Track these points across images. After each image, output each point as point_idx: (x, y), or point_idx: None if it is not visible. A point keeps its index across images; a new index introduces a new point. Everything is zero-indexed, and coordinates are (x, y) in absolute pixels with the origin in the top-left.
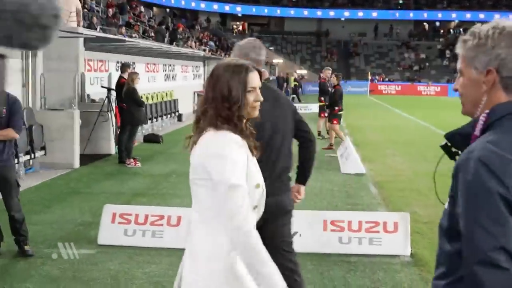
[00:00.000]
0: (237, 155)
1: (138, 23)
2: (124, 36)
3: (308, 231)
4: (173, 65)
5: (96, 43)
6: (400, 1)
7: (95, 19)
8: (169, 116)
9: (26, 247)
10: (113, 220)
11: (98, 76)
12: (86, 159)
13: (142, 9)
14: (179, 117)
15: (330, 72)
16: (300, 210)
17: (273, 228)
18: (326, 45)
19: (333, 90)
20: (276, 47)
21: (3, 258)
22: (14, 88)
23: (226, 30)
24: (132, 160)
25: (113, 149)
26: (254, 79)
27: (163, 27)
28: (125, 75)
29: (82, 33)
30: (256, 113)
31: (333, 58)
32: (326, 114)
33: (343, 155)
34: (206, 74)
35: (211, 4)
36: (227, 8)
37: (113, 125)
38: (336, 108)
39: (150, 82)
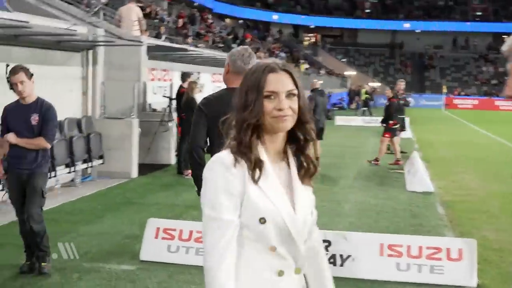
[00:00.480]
0: (221, 180)
1: (209, 34)
2: (190, 46)
3: (363, 255)
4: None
5: (159, 52)
6: (478, 13)
7: (162, 29)
8: None
9: (43, 264)
10: (157, 235)
11: (161, 86)
12: (145, 168)
13: (214, 20)
14: None
15: (404, 84)
16: (355, 231)
17: None
18: (400, 57)
19: (387, 104)
20: (348, 59)
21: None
22: (74, 95)
23: (298, 42)
24: (190, 171)
25: (173, 159)
26: (274, 82)
27: (230, 37)
28: (185, 85)
29: (142, 42)
30: (282, 125)
31: (407, 70)
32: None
33: (410, 171)
34: None
35: (283, 15)
36: (299, 20)
37: (173, 135)
38: (391, 122)
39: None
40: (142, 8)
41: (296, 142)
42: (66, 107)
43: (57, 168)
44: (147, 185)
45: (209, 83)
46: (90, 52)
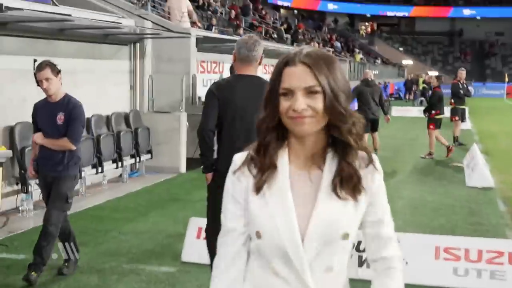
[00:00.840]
0: (229, 184)
1: (262, 25)
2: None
3: (417, 258)
4: None
5: (209, 44)
6: None
7: (214, 21)
8: None
9: (33, 273)
10: (198, 235)
11: (212, 78)
12: (194, 163)
13: (268, 11)
14: None
15: (464, 73)
16: (408, 232)
17: None
18: (460, 45)
19: (431, 93)
20: (406, 47)
21: (74, 273)
22: (121, 89)
23: (354, 31)
24: None
25: None
26: (289, 77)
27: (282, 28)
28: None
29: (191, 34)
30: (299, 129)
31: (466, 59)
32: (456, 118)
33: (469, 166)
34: None
35: (339, 4)
36: (355, 8)
37: None
38: (433, 112)
39: None
40: (195, 0)
41: (337, 145)
42: (114, 102)
43: (104, 164)
44: (195, 180)
45: (260, 75)
46: (138, 45)
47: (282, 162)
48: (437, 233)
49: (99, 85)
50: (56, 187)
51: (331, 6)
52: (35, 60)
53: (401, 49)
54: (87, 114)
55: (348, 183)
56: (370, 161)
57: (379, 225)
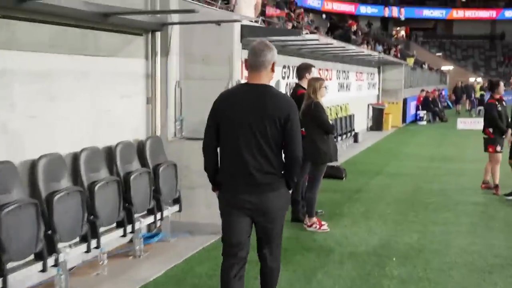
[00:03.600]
0: None
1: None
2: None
3: None
4: (347, 72)
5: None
6: None
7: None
8: (344, 136)
9: None
10: None
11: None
12: None
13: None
14: (355, 138)
15: None
16: None
17: None
18: (502, 49)
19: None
20: (444, 52)
21: None
22: (132, 103)
23: (388, 36)
24: (315, 220)
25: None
26: None
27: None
28: (304, 83)
29: (237, 20)
30: None
31: (511, 63)
32: None
33: None
34: (381, 83)
35: (371, 7)
36: (388, 11)
37: None
38: (490, 130)
39: None
40: None
41: None
42: (119, 124)
43: (102, 233)
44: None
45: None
46: (158, 35)
47: None
48: None
49: (94, 97)
50: None
51: (363, 9)
52: None
53: (439, 54)
54: (73, 147)
55: None
56: None
57: None
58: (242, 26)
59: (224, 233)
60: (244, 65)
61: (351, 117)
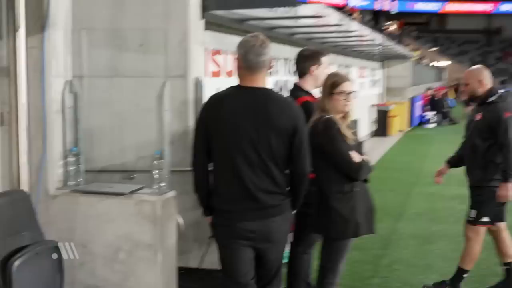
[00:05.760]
0: None
1: None
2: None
3: None
4: (349, 66)
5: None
6: None
7: None
8: None
9: None
10: None
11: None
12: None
13: None
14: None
15: None
16: None
17: None
18: (499, 44)
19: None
20: (439, 48)
21: None
22: None
23: (379, 30)
24: None
25: None
26: None
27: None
28: (308, 83)
29: None
30: None
31: (509, 60)
32: None
33: None
34: (385, 80)
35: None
36: (379, 5)
37: None
38: None
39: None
40: None
41: None
42: None
43: None
44: None
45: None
46: None
47: None
48: None
49: None
50: None
51: (353, 2)
52: None
53: (434, 49)
54: None
55: None
56: None
57: None
58: None
59: (226, 266)
60: (237, 64)
61: (355, 124)
